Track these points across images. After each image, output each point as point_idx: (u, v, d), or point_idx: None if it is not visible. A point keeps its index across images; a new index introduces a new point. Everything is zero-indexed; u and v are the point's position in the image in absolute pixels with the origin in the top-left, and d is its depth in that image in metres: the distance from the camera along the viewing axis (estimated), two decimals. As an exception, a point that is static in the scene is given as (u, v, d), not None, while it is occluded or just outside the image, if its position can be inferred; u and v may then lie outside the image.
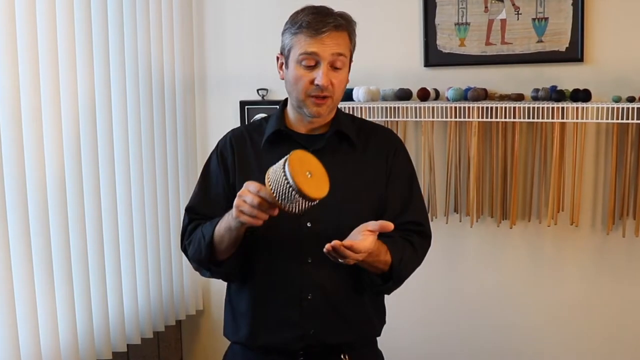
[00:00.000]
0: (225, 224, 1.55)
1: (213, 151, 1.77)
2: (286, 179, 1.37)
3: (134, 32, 2.54)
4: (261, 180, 1.46)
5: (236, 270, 1.67)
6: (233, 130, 1.77)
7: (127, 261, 2.55)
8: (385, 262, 1.58)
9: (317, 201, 1.41)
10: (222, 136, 1.78)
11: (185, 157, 2.87)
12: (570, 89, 2.37)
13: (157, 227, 2.70)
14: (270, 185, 1.40)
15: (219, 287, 2.93)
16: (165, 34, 2.72)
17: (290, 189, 1.37)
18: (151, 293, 2.68)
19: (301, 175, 1.38)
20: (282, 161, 1.40)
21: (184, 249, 1.72)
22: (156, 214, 2.69)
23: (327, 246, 1.43)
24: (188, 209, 1.74)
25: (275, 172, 1.40)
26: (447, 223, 2.61)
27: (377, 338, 1.80)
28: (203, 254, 1.61)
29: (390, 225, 1.48)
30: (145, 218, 2.64)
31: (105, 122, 2.41)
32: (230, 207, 1.51)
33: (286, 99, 1.71)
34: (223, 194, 1.69)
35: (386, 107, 2.53)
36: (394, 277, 1.60)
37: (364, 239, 1.45)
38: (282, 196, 1.38)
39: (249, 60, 2.86)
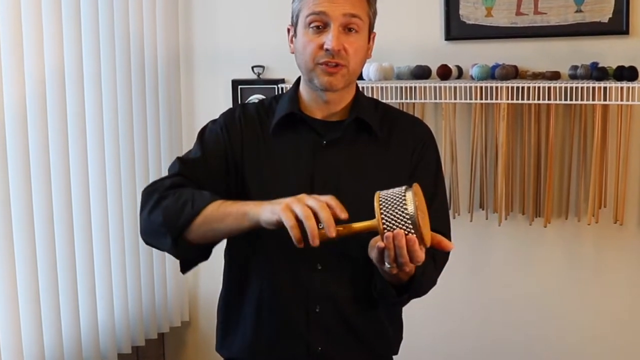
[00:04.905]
0: (241, 209, 1.46)
1: (214, 123, 1.71)
2: (405, 207, 1.34)
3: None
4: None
5: (198, 260, 1.61)
6: (243, 107, 1.73)
7: (101, 265, 2.52)
8: (408, 272, 1.53)
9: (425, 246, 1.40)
10: (215, 118, 1.73)
11: (169, 147, 2.85)
12: (614, 66, 2.36)
13: (136, 226, 2.64)
14: (381, 208, 1.36)
15: (208, 295, 3.00)
16: (145, 1, 2.70)
17: (407, 219, 1.34)
18: (130, 302, 2.67)
19: (420, 210, 1.36)
20: (402, 187, 1.39)
21: (150, 192, 1.59)
22: (135, 212, 2.66)
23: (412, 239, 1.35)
24: (182, 160, 1.66)
25: (391, 196, 1.37)
26: (471, 221, 2.59)
27: (394, 356, 1.78)
28: (181, 220, 1.50)
29: (450, 246, 1.46)
30: (123, 216, 2.62)
31: (76, 107, 2.38)
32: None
33: (299, 78, 1.69)
34: (224, 165, 1.62)
35: (401, 87, 2.53)
36: (412, 290, 1.57)
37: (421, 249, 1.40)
38: (390, 223, 1.35)
39: (243, 33, 2.84)
